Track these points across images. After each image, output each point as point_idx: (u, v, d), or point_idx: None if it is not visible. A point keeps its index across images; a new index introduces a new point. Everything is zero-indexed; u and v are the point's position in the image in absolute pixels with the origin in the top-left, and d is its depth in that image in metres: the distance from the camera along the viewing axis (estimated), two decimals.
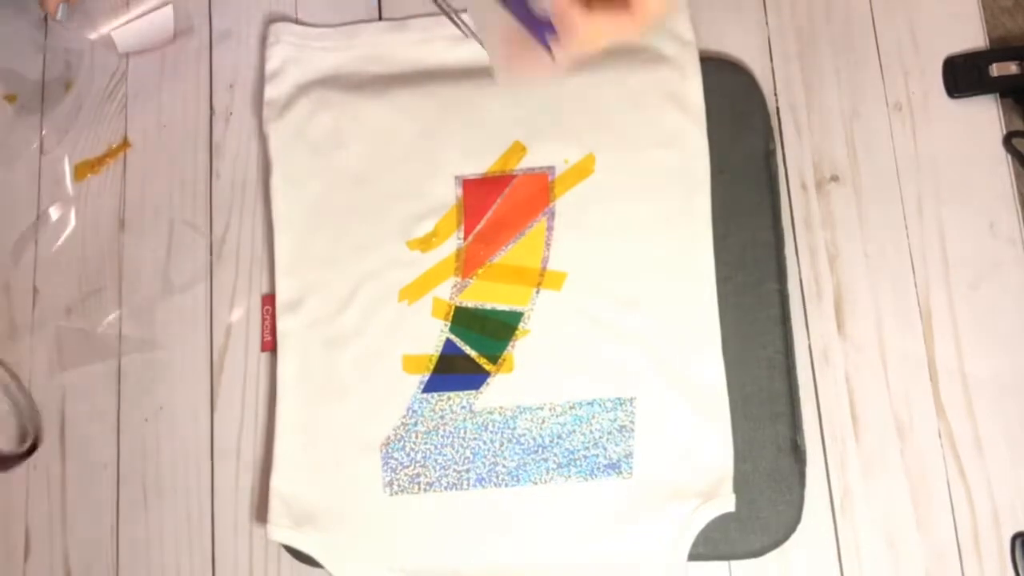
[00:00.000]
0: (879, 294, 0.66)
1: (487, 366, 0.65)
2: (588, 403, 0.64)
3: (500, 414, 0.65)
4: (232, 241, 0.71)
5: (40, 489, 0.69)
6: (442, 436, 0.65)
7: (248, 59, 0.74)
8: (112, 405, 0.70)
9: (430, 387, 0.65)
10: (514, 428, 0.64)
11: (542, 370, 0.65)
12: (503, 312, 0.66)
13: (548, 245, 0.67)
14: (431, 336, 0.66)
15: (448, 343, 0.66)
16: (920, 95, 0.69)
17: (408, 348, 0.66)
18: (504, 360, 0.65)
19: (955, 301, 0.65)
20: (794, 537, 0.62)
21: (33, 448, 0.69)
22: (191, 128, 0.74)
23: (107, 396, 0.70)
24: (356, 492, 0.64)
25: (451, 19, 0.59)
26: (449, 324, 0.66)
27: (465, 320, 0.66)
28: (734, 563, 0.63)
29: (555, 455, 0.64)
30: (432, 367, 0.66)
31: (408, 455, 0.64)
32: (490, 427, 0.64)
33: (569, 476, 0.63)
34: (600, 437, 0.63)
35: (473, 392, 0.65)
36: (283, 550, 0.66)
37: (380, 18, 0.74)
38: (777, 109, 0.69)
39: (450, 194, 0.68)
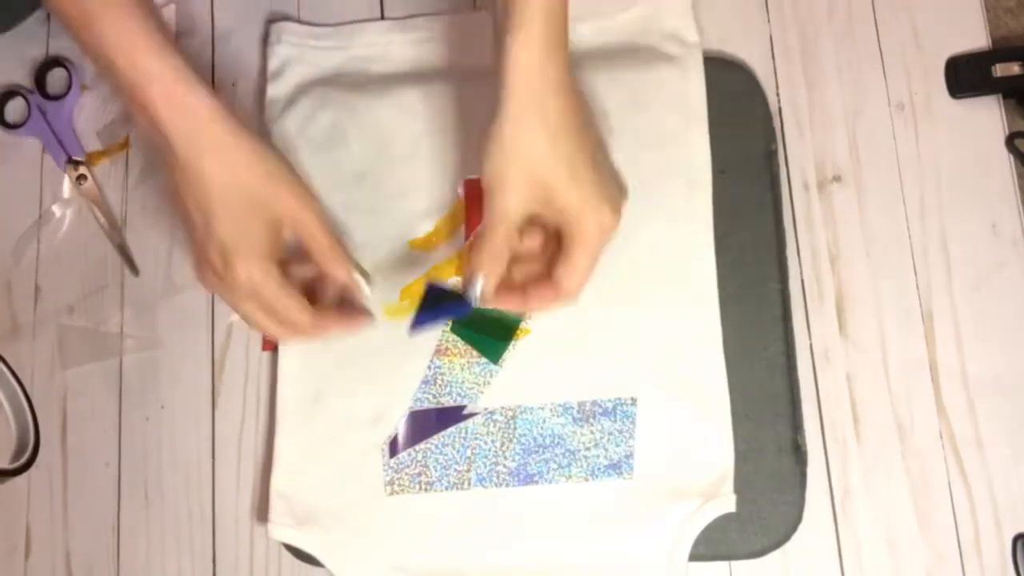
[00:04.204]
0: (881, 294, 0.66)
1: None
2: (589, 403, 0.64)
3: (501, 414, 0.64)
4: None
5: (41, 488, 0.69)
6: (443, 436, 0.65)
7: (250, 58, 0.74)
8: (113, 404, 0.70)
9: None
10: (515, 428, 0.64)
11: (543, 370, 0.65)
12: (504, 312, 0.66)
13: None
14: (432, 336, 0.66)
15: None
16: (922, 95, 0.68)
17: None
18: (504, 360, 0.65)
19: (957, 302, 0.65)
20: (795, 537, 0.62)
21: (28, 464, 0.68)
22: None
23: (108, 395, 0.70)
24: (357, 491, 0.64)
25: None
26: (450, 324, 0.66)
27: (466, 320, 0.66)
28: (735, 563, 0.63)
29: (556, 455, 0.63)
30: None
31: (409, 455, 0.64)
32: (491, 427, 0.64)
33: (570, 476, 0.63)
34: (601, 437, 0.63)
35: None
36: (284, 549, 0.66)
37: (382, 17, 0.74)
38: (779, 109, 0.69)
39: (451, 193, 0.68)
